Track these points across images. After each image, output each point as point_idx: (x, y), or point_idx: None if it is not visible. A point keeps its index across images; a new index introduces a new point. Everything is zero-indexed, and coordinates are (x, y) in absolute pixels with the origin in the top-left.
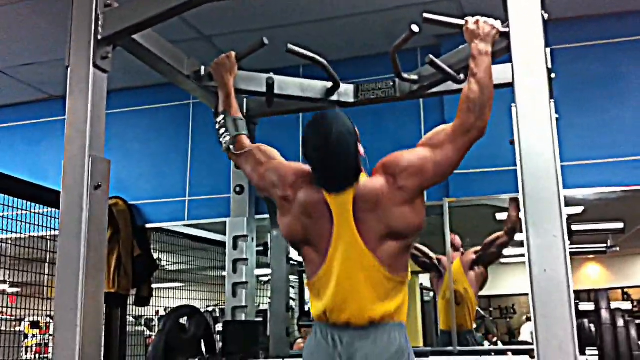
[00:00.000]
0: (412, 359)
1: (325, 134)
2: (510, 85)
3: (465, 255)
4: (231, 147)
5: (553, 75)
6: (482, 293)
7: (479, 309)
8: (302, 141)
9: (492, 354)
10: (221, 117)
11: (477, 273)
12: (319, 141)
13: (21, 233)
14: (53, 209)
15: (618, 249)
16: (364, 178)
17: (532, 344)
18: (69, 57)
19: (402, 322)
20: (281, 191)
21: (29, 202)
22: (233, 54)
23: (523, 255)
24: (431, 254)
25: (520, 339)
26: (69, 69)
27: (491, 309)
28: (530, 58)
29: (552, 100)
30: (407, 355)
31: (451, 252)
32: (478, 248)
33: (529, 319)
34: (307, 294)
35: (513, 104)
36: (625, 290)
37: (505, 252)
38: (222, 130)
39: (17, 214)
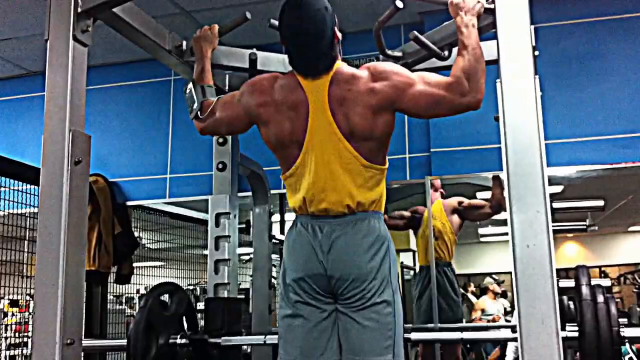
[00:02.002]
0: (392, 246)
1: (302, 9)
2: (494, 62)
3: (449, 200)
4: (198, 112)
5: (536, 53)
6: (461, 271)
7: (460, 288)
8: (279, 20)
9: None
10: (189, 85)
11: (454, 219)
12: (296, 16)
13: (0, 210)
14: (32, 186)
15: (597, 228)
16: (341, 65)
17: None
18: (48, 30)
19: (380, 212)
20: (257, 99)
21: (7, 179)
22: (216, 26)
23: (502, 234)
24: (406, 213)
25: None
26: (48, 42)
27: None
28: (515, 34)
29: (536, 77)
30: (387, 243)
31: (431, 192)
32: (462, 199)
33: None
34: None
35: (498, 80)
36: (603, 269)
37: (485, 231)
38: (190, 100)
39: None
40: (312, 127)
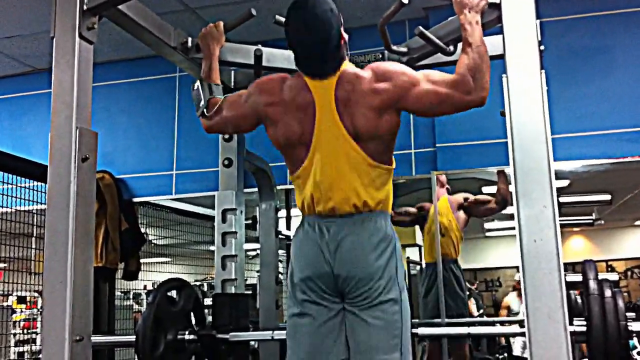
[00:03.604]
0: (398, 245)
1: (309, 12)
2: (499, 57)
3: (455, 196)
4: (205, 110)
5: (542, 48)
6: (467, 266)
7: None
8: (285, 22)
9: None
10: (197, 83)
11: (461, 215)
12: (302, 19)
13: (7, 207)
14: (39, 183)
15: (603, 222)
16: (347, 66)
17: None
18: (54, 28)
19: (387, 212)
20: (265, 99)
21: (14, 176)
22: (221, 23)
23: (508, 229)
24: (412, 210)
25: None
26: (54, 40)
27: (476, 282)
28: (521, 29)
29: (542, 71)
30: (393, 242)
31: (437, 189)
32: (469, 195)
33: (514, 289)
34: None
35: (504, 75)
36: (610, 263)
37: (491, 225)
38: (197, 98)
39: (2, 188)
40: (319, 128)
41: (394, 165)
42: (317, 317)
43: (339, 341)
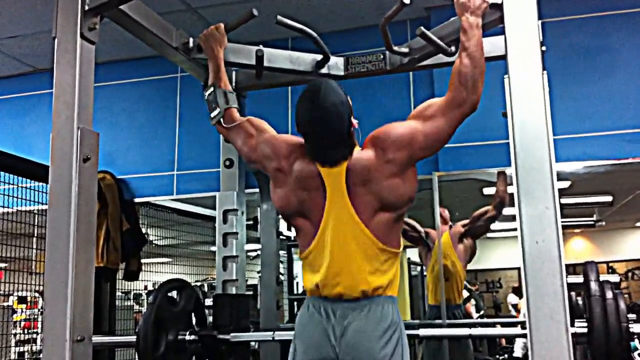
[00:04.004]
0: (404, 333)
1: (318, 105)
2: (501, 58)
3: (454, 229)
4: (221, 120)
5: (544, 48)
6: (469, 267)
7: (466, 283)
8: (295, 111)
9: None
10: (210, 90)
11: (465, 246)
12: (312, 112)
13: (8, 207)
14: (40, 183)
15: (604, 223)
16: (356, 151)
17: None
18: (55, 28)
19: (394, 296)
20: (275, 163)
21: (15, 176)
22: (222, 25)
23: (509, 230)
24: (419, 228)
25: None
26: (56, 40)
27: (477, 283)
28: (523, 29)
29: (544, 72)
30: (399, 330)
31: (440, 225)
32: (466, 221)
33: (515, 290)
34: (295, 269)
35: (506, 76)
36: (611, 264)
37: (492, 226)
38: (211, 104)
39: (3, 188)
40: (328, 212)
41: (401, 249)
42: None
43: None
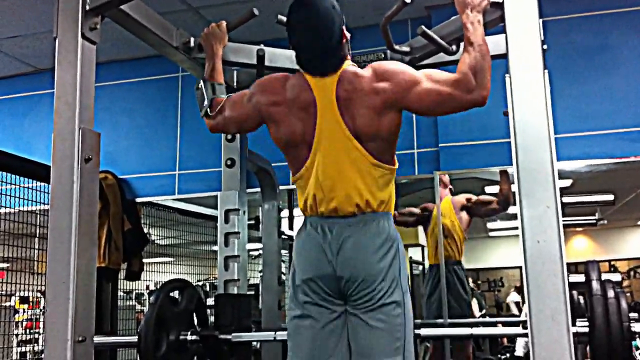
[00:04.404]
0: (401, 247)
1: (309, 9)
2: (502, 57)
3: (457, 197)
4: (208, 110)
5: (545, 47)
6: (470, 266)
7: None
8: (287, 20)
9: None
10: (200, 83)
11: (464, 217)
12: (303, 15)
13: (10, 208)
14: (41, 183)
15: (606, 222)
16: (348, 65)
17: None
18: (56, 28)
19: (390, 213)
20: (271, 97)
21: (17, 176)
22: (224, 23)
23: (511, 229)
24: (415, 210)
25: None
26: (57, 40)
27: (479, 282)
28: (524, 28)
29: (545, 71)
30: (396, 243)
31: (440, 190)
32: (471, 196)
33: (517, 289)
34: None
35: (507, 75)
36: (612, 263)
37: (494, 225)
38: (201, 98)
39: (5, 189)
40: (320, 127)
41: (396, 166)
42: (319, 319)
43: (341, 344)
